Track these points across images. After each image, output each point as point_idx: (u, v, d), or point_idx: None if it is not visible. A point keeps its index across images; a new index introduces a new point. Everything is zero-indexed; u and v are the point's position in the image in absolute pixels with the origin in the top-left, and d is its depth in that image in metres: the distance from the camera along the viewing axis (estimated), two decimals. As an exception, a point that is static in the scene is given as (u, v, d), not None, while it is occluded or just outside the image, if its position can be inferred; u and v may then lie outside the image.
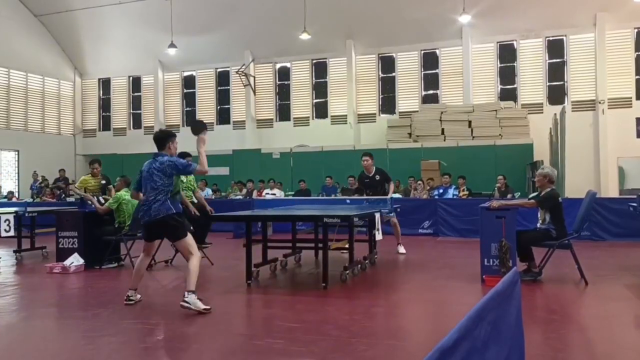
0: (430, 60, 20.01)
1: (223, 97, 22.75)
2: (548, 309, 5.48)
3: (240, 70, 21.06)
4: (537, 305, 5.65)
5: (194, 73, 23.08)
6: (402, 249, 9.34)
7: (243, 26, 20.51)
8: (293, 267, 8.18)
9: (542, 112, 18.01)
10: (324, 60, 21.15)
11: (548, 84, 18.64)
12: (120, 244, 8.56)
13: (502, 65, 19.18)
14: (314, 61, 21.29)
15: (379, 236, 7.51)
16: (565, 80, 18.43)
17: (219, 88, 22.81)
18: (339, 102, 20.74)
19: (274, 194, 15.45)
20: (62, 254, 8.22)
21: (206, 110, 22.82)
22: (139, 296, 5.76)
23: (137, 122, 24.08)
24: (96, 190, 9.10)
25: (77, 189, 9.40)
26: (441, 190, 13.63)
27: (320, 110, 21.26)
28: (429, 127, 17.66)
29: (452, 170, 14.78)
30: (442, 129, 17.50)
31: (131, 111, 24.25)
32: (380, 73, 20.58)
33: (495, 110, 17.30)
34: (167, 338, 4.68)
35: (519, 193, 13.42)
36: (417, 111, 18.98)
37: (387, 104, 20.58)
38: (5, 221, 8.97)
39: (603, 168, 17.29)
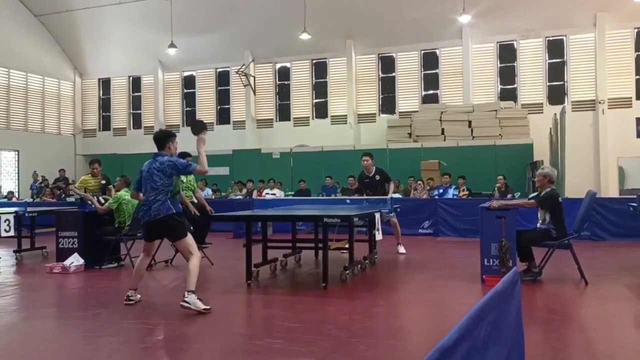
0: (430, 60, 20.01)
1: (223, 97, 22.75)
2: (548, 309, 5.48)
3: (240, 70, 21.06)
4: (537, 305, 5.65)
5: (194, 73, 23.08)
6: (402, 249, 9.34)
7: (243, 26, 20.51)
8: (293, 267, 8.18)
9: (542, 112, 18.01)
10: (324, 60, 21.15)
11: (548, 84, 18.64)
12: (120, 244, 8.56)
13: (502, 65, 19.18)
14: (314, 61, 21.30)
15: (379, 236, 7.51)
16: (565, 80, 18.43)
17: (219, 88, 22.81)
18: (339, 102, 20.75)
19: (274, 194, 15.45)
20: (62, 254, 8.22)
21: (206, 110, 22.82)
22: (139, 296, 5.76)
23: (137, 122, 24.09)
24: (96, 190, 9.10)
25: (77, 189, 9.40)
26: (441, 190, 13.63)
27: (320, 110, 21.27)
28: (429, 127, 17.66)
29: (452, 170, 14.78)
30: (442, 129, 17.50)
31: (131, 111, 24.26)
32: (380, 73, 20.58)
33: (495, 110, 17.30)
34: (167, 338, 4.68)
35: (519, 193, 13.41)
36: (417, 111, 18.98)
37: (387, 104, 20.58)
38: (5, 221, 8.97)
39: (603, 168, 17.29)
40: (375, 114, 20.48)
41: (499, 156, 16.32)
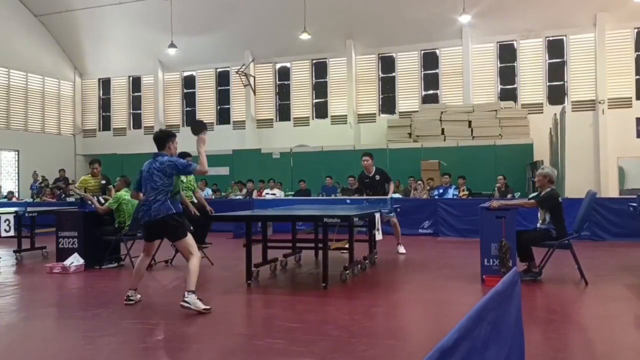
0: (430, 60, 20.01)
1: (223, 97, 22.75)
2: (548, 309, 5.48)
3: (240, 70, 21.06)
4: (537, 305, 5.65)
5: (194, 73, 23.08)
6: (402, 249, 9.35)
7: (243, 26, 20.51)
8: (293, 267, 8.18)
9: (542, 112, 18.01)
10: (324, 60, 21.15)
11: (548, 84, 18.64)
12: (120, 244, 8.56)
13: (502, 65, 19.18)
14: (314, 61, 21.30)
15: (379, 236, 7.51)
16: (565, 80, 18.43)
17: (219, 88, 22.81)
18: (339, 102, 20.75)
19: (274, 194, 15.45)
20: (62, 254, 8.22)
21: (206, 110, 22.82)
22: (139, 296, 5.76)
23: (137, 122, 24.09)
24: (96, 190, 9.10)
25: (77, 189, 9.40)
26: (441, 190, 13.63)
27: (320, 110, 21.27)
28: (429, 127, 17.66)
29: (452, 170, 14.78)
30: (442, 129, 17.50)
31: (131, 111, 24.26)
32: (380, 73, 20.58)
33: (495, 110, 17.30)
34: (167, 338, 4.68)
35: (519, 193, 13.41)
36: (417, 111, 18.98)
37: (387, 104, 20.58)
38: (5, 221, 8.97)
39: (603, 168, 17.29)
40: (375, 114, 20.48)
41: (499, 156, 16.32)
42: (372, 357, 3.96)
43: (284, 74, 21.85)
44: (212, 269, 8.05)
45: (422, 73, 20.07)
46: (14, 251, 9.53)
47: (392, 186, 9.52)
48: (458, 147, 16.83)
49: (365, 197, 9.28)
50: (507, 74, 19.14)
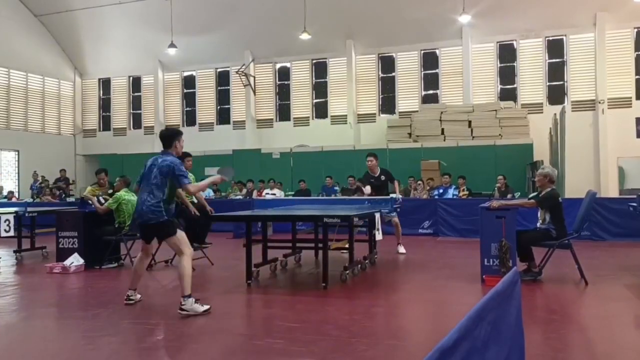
0: (430, 60, 20.02)
1: (223, 97, 22.75)
2: (548, 309, 5.48)
3: (240, 70, 21.06)
4: (537, 305, 5.65)
5: (194, 73, 23.08)
6: (402, 249, 9.35)
7: (243, 26, 20.51)
8: (293, 267, 8.18)
9: (542, 112, 18.01)
10: (324, 60, 21.15)
11: (548, 84, 18.64)
12: (120, 244, 8.57)
13: (502, 65, 19.18)
14: (314, 61, 21.30)
15: (379, 236, 7.52)
16: (565, 80, 18.43)
17: (219, 88, 22.81)
18: (339, 102, 20.75)
19: (274, 194, 15.45)
20: (62, 254, 8.23)
21: (206, 110, 22.83)
22: (139, 296, 5.75)
23: (137, 122, 24.08)
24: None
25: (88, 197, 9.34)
26: (441, 190, 13.64)
27: (320, 110, 21.27)
28: (429, 127, 17.66)
29: (452, 170, 14.78)
30: (442, 129, 17.50)
31: (131, 111, 24.26)
32: (380, 73, 20.58)
33: (495, 110, 17.30)
34: (167, 338, 4.68)
35: (519, 193, 13.41)
36: (417, 111, 18.98)
37: (387, 104, 20.58)
38: (5, 221, 8.97)
39: (603, 168, 17.30)
40: (375, 114, 20.48)
41: (499, 156, 16.32)
42: (372, 357, 3.96)
43: (284, 74, 21.85)
44: (212, 269, 8.05)
45: (422, 73, 20.08)
46: (14, 251, 9.54)
47: (397, 185, 9.54)
48: (458, 147, 16.83)
49: (370, 197, 9.24)
50: (507, 74, 19.14)
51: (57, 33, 23.17)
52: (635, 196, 8.78)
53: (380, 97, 20.61)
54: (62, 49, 23.76)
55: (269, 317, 5.51)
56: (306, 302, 5.86)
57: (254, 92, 21.80)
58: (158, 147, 5.77)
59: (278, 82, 21.90)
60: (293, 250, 8.34)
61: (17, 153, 21.96)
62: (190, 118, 23.08)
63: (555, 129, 14.77)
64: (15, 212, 9.40)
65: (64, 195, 17.83)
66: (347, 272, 6.89)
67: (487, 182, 14.53)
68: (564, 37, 18.38)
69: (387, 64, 20.53)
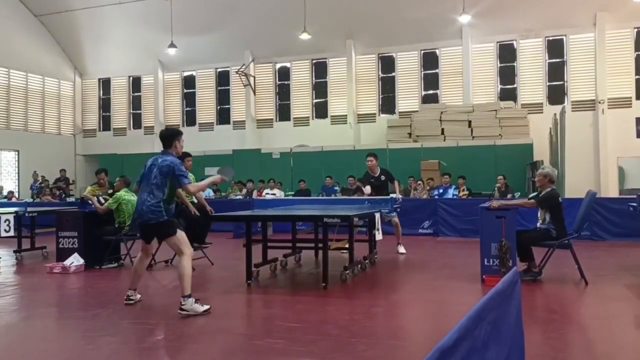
0: (430, 60, 20.02)
1: (223, 97, 22.75)
2: (548, 309, 5.48)
3: (240, 70, 21.06)
4: (537, 305, 5.65)
5: (194, 73, 23.08)
6: (402, 249, 9.35)
7: (243, 26, 20.51)
8: (293, 267, 8.18)
9: (542, 112, 18.02)
10: (324, 60, 21.15)
11: (548, 83, 18.64)
12: (120, 244, 8.57)
13: (502, 65, 19.18)
14: (314, 61, 21.30)
15: (379, 236, 7.52)
16: (565, 80, 18.43)
17: (219, 88, 22.81)
18: (338, 102, 20.75)
19: (274, 194, 15.45)
20: (62, 254, 8.23)
21: (206, 110, 22.83)
22: (139, 296, 5.76)
23: (137, 122, 24.09)
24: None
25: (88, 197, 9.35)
26: (441, 190, 13.64)
27: (320, 110, 21.27)
28: (429, 127, 17.66)
29: (452, 170, 14.79)
30: (442, 129, 17.50)
31: (131, 111, 24.26)
32: (380, 73, 20.58)
33: (495, 110, 17.30)
34: (167, 338, 4.68)
35: (519, 193, 13.41)
36: (417, 111, 18.98)
37: (387, 104, 20.58)
38: (5, 221, 8.97)
39: (603, 168, 17.30)
40: (375, 114, 20.48)
41: (499, 156, 16.32)
42: (372, 357, 3.96)
43: (284, 74, 21.85)
44: (212, 269, 8.05)
45: (422, 73, 20.08)
46: (14, 251, 9.54)
47: (397, 185, 9.54)
48: (458, 147, 16.83)
49: (368, 196, 9.25)
50: (507, 74, 19.14)
51: (57, 33, 23.17)
52: (635, 196, 8.78)
53: (380, 97, 20.61)
54: (62, 49, 23.76)
55: (269, 317, 5.51)
56: (306, 302, 5.86)
57: (254, 92, 21.80)
58: (158, 147, 5.77)
59: (278, 82, 21.90)
60: (293, 250, 8.34)
61: (17, 153, 21.96)
62: (190, 118, 23.09)
63: (555, 129, 14.77)
64: (15, 212, 9.39)
65: (64, 195, 17.82)
66: (347, 272, 6.89)
67: (487, 182, 14.53)
68: (564, 37, 18.39)
69: (387, 64, 20.53)
